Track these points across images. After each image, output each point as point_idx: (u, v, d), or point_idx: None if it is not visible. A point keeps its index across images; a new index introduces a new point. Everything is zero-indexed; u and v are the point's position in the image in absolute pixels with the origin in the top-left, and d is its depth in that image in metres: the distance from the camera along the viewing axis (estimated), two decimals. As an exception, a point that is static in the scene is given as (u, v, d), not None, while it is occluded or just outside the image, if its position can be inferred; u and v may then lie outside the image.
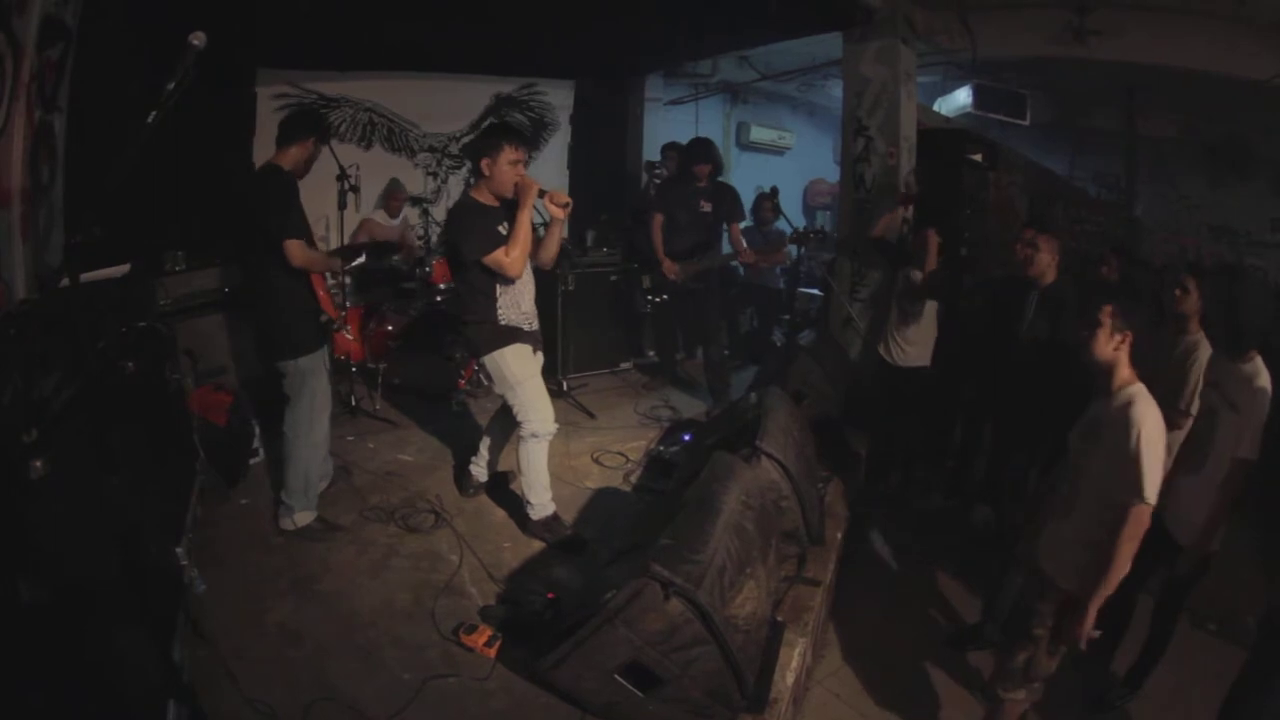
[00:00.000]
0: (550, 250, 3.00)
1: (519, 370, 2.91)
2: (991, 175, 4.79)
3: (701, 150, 4.55)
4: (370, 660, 2.30)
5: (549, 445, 3.00)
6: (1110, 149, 7.61)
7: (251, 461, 3.45)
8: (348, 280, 4.35)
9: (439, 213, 5.53)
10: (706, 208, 4.55)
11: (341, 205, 4.18)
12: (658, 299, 4.85)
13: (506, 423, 3.19)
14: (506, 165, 2.79)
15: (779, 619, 2.51)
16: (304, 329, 2.87)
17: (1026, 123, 6.60)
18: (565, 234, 3.67)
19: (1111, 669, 2.82)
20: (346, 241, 4.48)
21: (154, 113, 1.44)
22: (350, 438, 3.93)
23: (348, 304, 4.30)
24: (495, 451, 3.37)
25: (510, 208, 2.82)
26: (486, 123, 6.08)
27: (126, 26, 3.27)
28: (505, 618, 2.46)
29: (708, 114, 8.05)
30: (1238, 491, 2.43)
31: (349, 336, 4.24)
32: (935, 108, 6.43)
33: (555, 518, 3.07)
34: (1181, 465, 2.56)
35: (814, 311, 6.30)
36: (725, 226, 4.66)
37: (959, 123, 6.13)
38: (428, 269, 4.82)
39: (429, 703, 2.14)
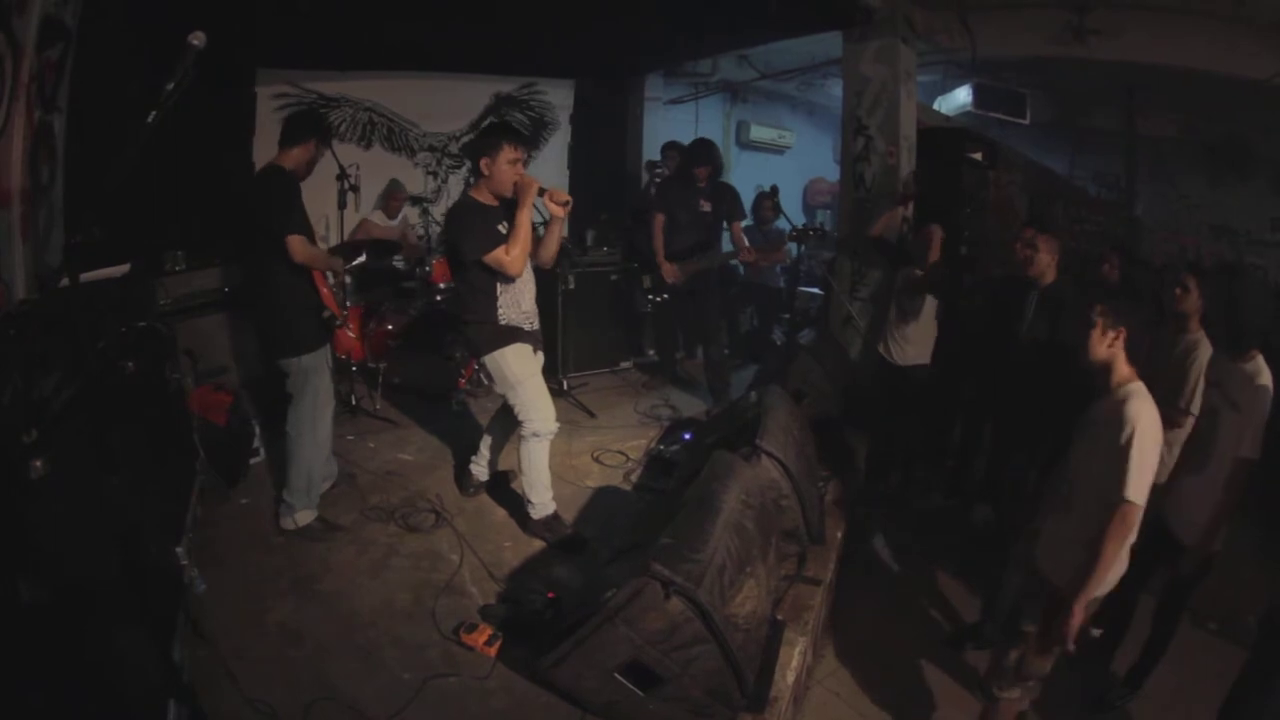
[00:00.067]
0: (550, 249, 3.00)
1: (519, 370, 2.91)
2: (991, 174, 4.78)
3: (702, 152, 4.55)
4: (370, 660, 2.30)
5: (549, 444, 3.00)
6: (1110, 148, 7.60)
7: (252, 461, 3.45)
8: (348, 279, 4.35)
9: (439, 212, 5.53)
10: (706, 207, 4.55)
11: (341, 205, 4.19)
12: (658, 298, 4.86)
13: (507, 422, 3.19)
14: (506, 164, 2.79)
15: (779, 618, 2.51)
16: (306, 326, 2.88)
17: (1026, 122, 6.59)
18: (565, 233, 3.67)
19: (1112, 669, 2.82)
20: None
21: (154, 113, 1.44)
22: (350, 437, 3.93)
23: (348, 303, 4.30)
24: (496, 451, 3.37)
25: (510, 207, 2.82)
26: (486, 122, 6.08)
27: (126, 26, 3.27)
28: (506, 617, 2.46)
29: (708, 113, 8.05)
30: (1240, 491, 2.42)
31: (350, 334, 4.24)
32: (935, 107, 6.42)
33: (556, 517, 3.07)
34: (1184, 465, 2.57)
35: (814, 310, 6.29)
36: (727, 226, 4.67)
37: (959, 122, 6.13)
38: (428, 269, 4.83)
39: (429, 702, 2.14)
